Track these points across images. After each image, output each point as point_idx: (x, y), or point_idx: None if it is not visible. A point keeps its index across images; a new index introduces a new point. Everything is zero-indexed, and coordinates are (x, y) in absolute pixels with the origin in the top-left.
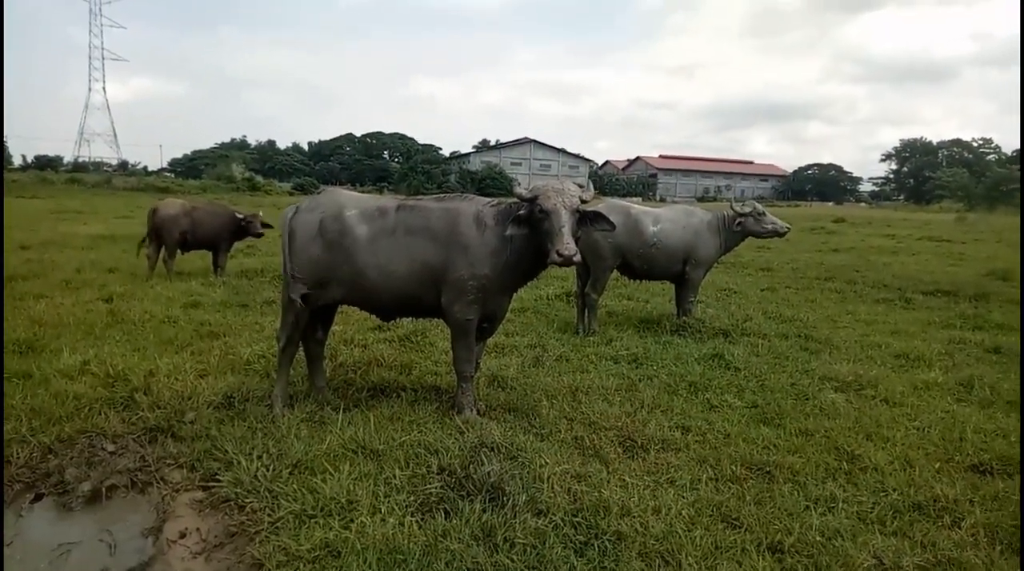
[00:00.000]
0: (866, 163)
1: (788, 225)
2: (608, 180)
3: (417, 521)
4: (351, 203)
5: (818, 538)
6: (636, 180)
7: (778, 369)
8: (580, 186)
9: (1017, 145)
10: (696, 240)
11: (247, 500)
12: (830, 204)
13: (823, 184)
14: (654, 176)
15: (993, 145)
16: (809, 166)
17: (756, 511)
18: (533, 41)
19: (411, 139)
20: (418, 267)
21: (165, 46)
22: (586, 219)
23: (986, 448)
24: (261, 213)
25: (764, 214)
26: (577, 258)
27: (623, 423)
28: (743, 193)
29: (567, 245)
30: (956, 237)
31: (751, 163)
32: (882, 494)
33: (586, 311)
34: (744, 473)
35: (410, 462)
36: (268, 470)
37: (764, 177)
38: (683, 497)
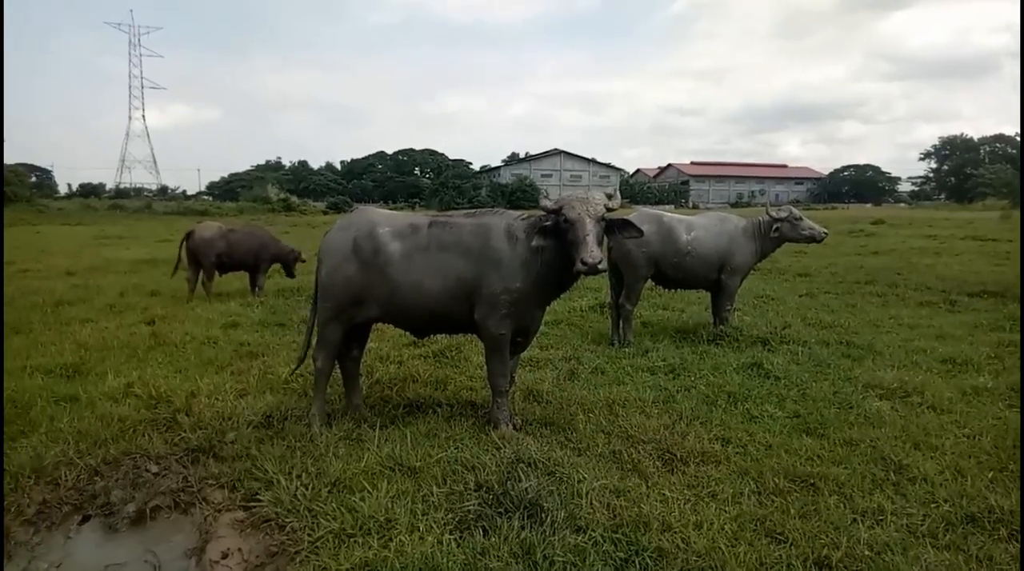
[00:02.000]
0: (904, 162)
1: (826, 230)
2: (639, 188)
3: (456, 539)
4: (383, 221)
5: (867, 552)
6: (668, 188)
7: (819, 377)
8: (608, 195)
9: None
10: (731, 247)
11: (287, 520)
12: (868, 205)
13: (860, 185)
14: (686, 183)
15: None
16: (845, 167)
17: (801, 525)
18: (557, 52)
19: (441, 155)
20: (452, 283)
21: (200, 73)
22: (613, 227)
23: None
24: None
25: (801, 219)
26: (603, 266)
27: (661, 436)
28: (778, 197)
29: (591, 253)
30: (1002, 236)
31: (785, 166)
32: (933, 505)
33: (620, 322)
34: (787, 486)
35: (447, 479)
36: (307, 489)
37: (799, 180)
38: (725, 511)
